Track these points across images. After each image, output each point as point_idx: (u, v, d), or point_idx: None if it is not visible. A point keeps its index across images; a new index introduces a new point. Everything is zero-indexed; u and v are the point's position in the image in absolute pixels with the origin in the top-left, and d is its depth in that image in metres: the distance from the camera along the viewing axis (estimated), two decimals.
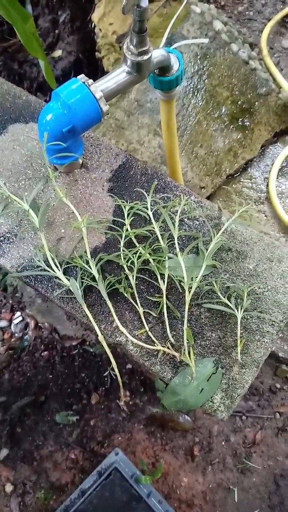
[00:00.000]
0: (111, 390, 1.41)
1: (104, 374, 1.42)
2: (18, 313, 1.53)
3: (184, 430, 1.36)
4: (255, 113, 1.40)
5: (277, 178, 1.38)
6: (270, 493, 1.30)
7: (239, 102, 1.40)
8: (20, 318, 1.53)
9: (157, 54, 0.58)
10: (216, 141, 1.37)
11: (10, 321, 1.53)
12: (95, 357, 1.45)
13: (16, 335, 1.52)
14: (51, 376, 1.44)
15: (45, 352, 1.48)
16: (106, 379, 1.42)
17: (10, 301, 1.55)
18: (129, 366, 1.41)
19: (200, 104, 1.37)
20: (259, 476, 1.32)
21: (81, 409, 1.39)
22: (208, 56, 1.39)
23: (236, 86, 1.41)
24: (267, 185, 1.38)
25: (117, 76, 0.57)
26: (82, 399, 1.41)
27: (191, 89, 1.38)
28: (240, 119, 1.40)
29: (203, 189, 1.33)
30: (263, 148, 1.44)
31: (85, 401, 1.41)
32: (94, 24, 1.50)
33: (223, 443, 1.36)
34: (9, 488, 1.31)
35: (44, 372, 1.45)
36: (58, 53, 1.67)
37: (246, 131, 1.39)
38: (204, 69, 1.40)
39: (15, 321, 1.53)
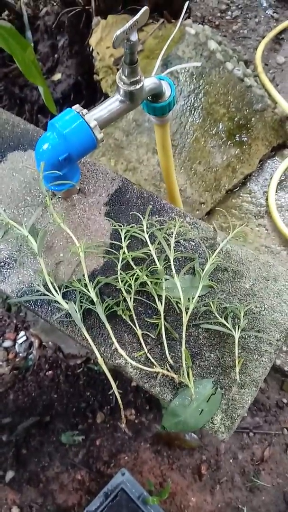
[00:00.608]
0: (116, 409, 1.40)
1: (109, 393, 1.41)
2: (22, 333, 1.54)
3: (191, 448, 1.35)
4: (252, 128, 1.42)
5: (276, 191, 1.39)
6: None
7: (236, 119, 1.42)
8: (24, 338, 1.54)
9: (149, 82, 0.60)
10: (214, 157, 1.39)
11: (15, 341, 1.54)
12: (99, 375, 1.45)
13: (20, 354, 1.52)
14: (56, 396, 1.44)
15: (50, 371, 1.48)
16: (111, 397, 1.42)
17: (14, 321, 1.56)
18: (134, 384, 1.40)
19: (197, 121, 1.40)
20: (269, 495, 1.30)
21: (87, 428, 1.39)
22: (203, 75, 1.42)
23: (232, 103, 1.43)
24: (267, 199, 1.39)
25: (110, 105, 0.58)
26: (88, 418, 1.40)
27: (188, 108, 1.41)
28: (238, 135, 1.42)
29: (203, 205, 1.35)
30: (261, 162, 1.46)
31: (90, 420, 1.40)
32: (92, 48, 1.55)
33: (231, 460, 1.34)
34: (15, 511, 1.30)
35: (49, 391, 1.45)
36: (57, 76, 1.71)
37: (244, 147, 1.41)
38: (200, 87, 1.42)
39: (19, 341, 1.53)
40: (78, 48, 1.67)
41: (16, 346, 1.54)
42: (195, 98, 1.42)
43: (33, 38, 1.75)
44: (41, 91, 1.19)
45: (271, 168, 1.48)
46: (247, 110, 1.43)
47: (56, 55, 1.73)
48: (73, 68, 1.68)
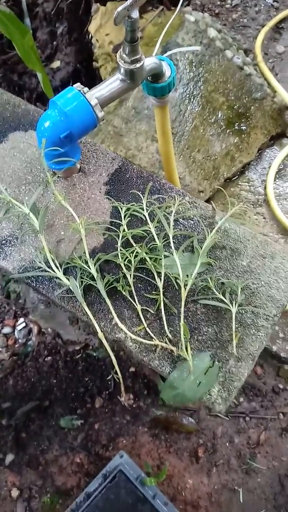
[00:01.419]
0: (114, 394, 1.42)
1: (108, 378, 1.43)
2: (21, 319, 1.55)
3: (188, 432, 1.37)
4: (251, 117, 1.43)
5: (275, 180, 1.40)
6: (275, 493, 1.30)
7: (235, 107, 1.43)
8: (24, 324, 1.55)
9: (149, 62, 0.60)
10: (213, 145, 1.40)
11: (14, 327, 1.55)
12: (98, 361, 1.47)
13: (19, 341, 1.53)
14: (55, 381, 1.46)
15: (49, 357, 1.50)
16: (109, 382, 1.43)
17: (13, 308, 1.57)
18: (132, 369, 1.42)
19: (196, 110, 1.40)
20: (264, 477, 1.32)
21: (85, 413, 1.40)
22: (203, 63, 1.42)
23: (231, 92, 1.44)
24: (265, 188, 1.40)
25: (111, 84, 0.59)
26: (86, 403, 1.42)
27: (187, 96, 1.41)
28: (237, 123, 1.42)
29: (201, 193, 1.36)
30: (260, 151, 1.47)
31: (89, 405, 1.42)
32: (91, 35, 1.54)
33: (227, 444, 1.36)
34: (15, 493, 1.32)
35: (48, 377, 1.46)
36: (56, 64, 1.71)
37: (243, 135, 1.42)
38: (200, 75, 1.43)
39: (19, 327, 1.54)
40: (77, 35, 1.66)
41: (16, 332, 1.55)
42: (195, 86, 1.42)
43: (31, 25, 1.74)
44: (39, 78, 1.19)
45: (269, 157, 1.49)
46: (246, 99, 1.43)
47: (55, 42, 1.73)
48: (72, 56, 1.68)
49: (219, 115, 1.42)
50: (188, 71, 1.42)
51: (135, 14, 0.50)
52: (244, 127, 1.43)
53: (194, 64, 1.43)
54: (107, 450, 1.36)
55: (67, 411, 1.41)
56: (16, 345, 1.53)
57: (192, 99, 1.41)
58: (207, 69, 1.42)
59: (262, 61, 1.68)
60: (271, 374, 1.45)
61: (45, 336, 1.53)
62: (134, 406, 1.39)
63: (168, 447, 1.35)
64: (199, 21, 1.47)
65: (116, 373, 0.58)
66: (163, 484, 1.29)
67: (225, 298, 0.58)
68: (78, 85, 0.57)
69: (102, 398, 1.43)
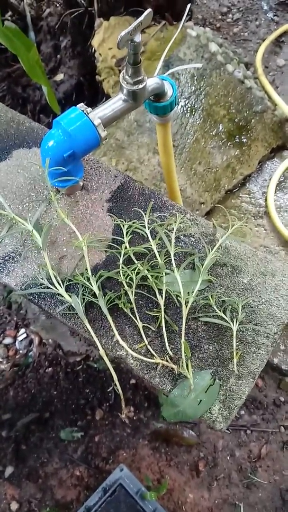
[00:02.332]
0: (115, 406, 1.42)
1: (108, 390, 1.43)
2: (22, 330, 1.56)
3: (189, 445, 1.36)
4: (251, 130, 1.44)
5: (275, 192, 1.41)
6: (276, 508, 1.29)
7: (236, 120, 1.44)
8: (25, 335, 1.55)
9: (151, 82, 0.61)
10: (214, 158, 1.41)
11: (15, 338, 1.55)
12: (99, 373, 1.47)
13: (20, 351, 1.53)
14: (55, 393, 1.45)
15: (50, 369, 1.49)
16: (110, 394, 1.43)
17: (15, 318, 1.57)
18: (132, 381, 1.42)
19: (197, 122, 1.42)
20: (265, 491, 1.31)
21: (86, 425, 1.40)
22: (204, 77, 1.44)
23: (232, 105, 1.45)
24: (266, 200, 1.41)
25: (114, 104, 0.60)
26: (87, 415, 1.41)
27: (189, 109, 1.43)
28: (237, 136, 1.44)
29: (202, 205, 1.37)
30: (260, 163, 1.48)
31: (89, 417, 1.41)
32: (94, 49, 1.57)
33: (228, 458, 1.36)
34: (14, 506, 1.31)
35: (48, 388, 1.46)
36: (60, 76, 1.73)
37: (244, 148, 1.43)
38: (201, 89, 1.44)
39: (20, 338, 1.55)
40: (80, 49, 1.69)
41: (17, 343, 1.55)
42: (196, 99, 1.44)
43: (36, 39, 1.77)
44: (44, 91, 1.21)
45: (270, 169, 1.50)
46: (247, 112, 1.45)
47: (58, 56, 1.75)
48: (75, 69, 1.70)
49: (220, 128, 1.44)
50: (189, 84, 1.44)
51: (138, 38, 0.51)
52: (244, 140, 1.45)
53: (195, 78, 1.45)
54: (107, 463, 1.35)
55: (67, 423, 1.41)
56: (17, 356, 1.53)
57: (193, 112, 1.43)
58: (208, 82, 1.44)
59: (262, 74, 1.71)
60: (272, 386, 1.45)
61: (46, 347, 1.53)
62: (134, 418, 1.39)
63: (169, 461, 1.34)
64: (200, 36, 1.49)
65: (116, 385, 0.58)
66: (163, 498, 1.28)
67: (226, 316, 0.59)
68: (81, 105, 0.58)
69: (103, 410, 1.42)
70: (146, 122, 1.40)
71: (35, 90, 1.72)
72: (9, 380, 1.49)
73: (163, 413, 0.58)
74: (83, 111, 0.57)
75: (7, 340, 1.55)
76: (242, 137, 1.45)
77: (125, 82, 0.58)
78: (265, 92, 1.60)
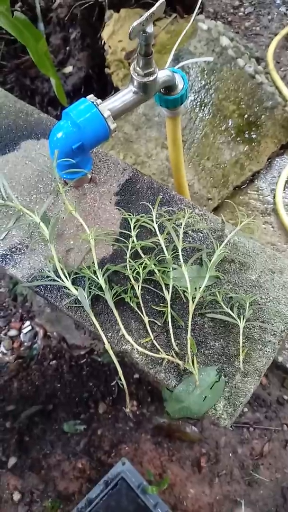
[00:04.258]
0: (118, 400, 1.42)
1: (112, 384, 1.43)
2: (27, 322, 1.56)
3: (191, 441, 1.36)
4: (261, 126, 1.42)
5: (284, 189, 1.40)
6: (277, 506, 1.29)
7: (246, 116, 1.42)
8: (30, 327, 1.56)
9: (162, 74, 0.61)
10: (223, 153, 1.40)
11: (20, 330, 1.56)
12: (103, 367, 1.47)
13: (25, 344, 1.54)
14: (59, 385, 1.46)
15: (54, 361, 1.50)
16: (113, 388, 1.43)
17: (20, 311, 1.58)
18: (136, 376, 1.42)
19: (207, 117, 1.40)
20: (267, 489, 1.31)
21: (89, 418, 1.41)
22: (215, 71, 1.42)
23: (242, 100, 1.44)
24: (274, 197, 1.39)
25: (124, 96, 0.60)
26: (90, 408, 1.42)
27: (198, 103, 1.41)
28: (247, 132, 1.42)
29: (210, 201, 1.36)
30: (269, 160, 1.46)
31: (92, 410, 1.42)
32: (104, 41, 1.55)
33: (230, 454, 1.36)
34: (16, 496, 1.32)
35: (52, 381, 1.47)
36: (69, 69, 1.72)
37: (253, 144, 1.41)
38: (211, 83, 1.43)
39: (25, 330, 1.55)
40: (90, 41, 1.67)
41: (21, 335, 1.56)
42: (206, 94, 1.42)
43: (45, 30, 1.75)
44: (52, 83, 1.20)
45: (279, 166, 1.48)
46: (257, 107, 1.43)
47: (68, 48, 1.74)
48: (84, 61, 1.69)
49: (230, 123, 1.42)
50: (199, 79, 1.43)
51: (150, 28, 0.51)
52: (254, 136, 1.43)
53: (205, 72, 1.43)
54: (109, 456, 1.35)
55: (70, 416, 1.41)
56: (22, 348, 1.54)
57: (203, 107, 1.42)
58: (218, 77, 1.42)
59: (274, 69, 1.68)
60: (276, 385, 1.44)
61: (51, 339, 1.53)
62: (137, 413, 1.39)
63: (171, 456, 1.35)
64: (211, 30, 1.47)
65: (120, 379, 0.58)
66: (164, 493, 1.29)
67: (233, 313, 0.58)
68: (91, 97, 0.58)
69: (106, 404, 1.43)
70: (154, 116, 1.39)
71: (44, 82, 1.71)
72: (14, 372, 1.50)
73: (167, 409, 0.58)
74: (92, 102, 0.57)
75: (12, 332, 1.55)
76: (252, 133, 1.44)
77: (136, 74, 0.57)
78: (276, 88, 1.57)
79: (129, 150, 1.38)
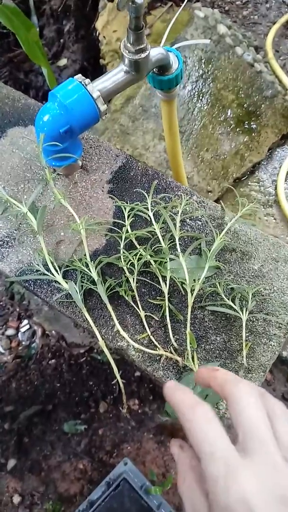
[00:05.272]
0: (119, 399, 1.38)
1: (112, 382, 1.40)
2: (25, 321, 1.53)
3: None
4: (261, 115, 1.38)
5: (286, 180, 1.36)
6: None
7: (245, 105, 1.39)
8: (28, 326, 1.52)
9: (155, 52, 0.57)
10: (222, 144, 1.36)
11: (17, 329, 1.52)
12: (102, 365, 1.43)
13: (23, 343, 1.51)
14: (58, 385, 1.43)
15: (53, 360, 1.47)
16: (114, 387, 1.40)
17: (17, 309, 1.54)
18: (137, 373, 1.39)
19: (205, 108, 1.36)
20: None
21: (89, 418, 1.37)
22: (212, 60, 1.38)
23: (241, 89, 1.40)
24: (276, 188, 1.36)
25: (115, 76, 0.56)
26: (90, 408, 1.39)
27: (196, 93, 1.37)
28: (247, 122, 1.38)
29: (210, 193, 1.32)
30: (270, 150, 1.42)
31: (93, 410, 1.38)
32: (98, 32, 1.51)
33: None
34: (16, 499, 1.29)
35: (51, 380, 1.44)
36: (63, 62, 1.68)
37: (253, 134, 1.38)
38: (209, 72, 1.39)
39: (22, 329, 1.52)
40: (84, 33, 1.64)
41: (19, 334, 1.52)
42: (204, 84, 1.38)
43: (38, 23, 1.72)
44: (44, 73, 1.16)
45: (280, 156, 1.44)
46: (257, 97, 1.39)
47: (62, 40, 1.70)
48: (79, 53, 1.65)
49: (229, 114, 1.38)
50: (197, 68, 1.39)
51: None
52: (254, 126, 1.39)
53: (203, 61, 1.39)
54: (111, 456, 1.32)
55: (70, 416, 1.38)
56: (20, 348, 1.50)
57: (201, 97, 1.38)
58: (216, 66, 1.38)
59: (273, 58, 1.64)
60: (281, 380, 1.40)
61: (49, 338, 1.50)
62: (139, 411, 1.36)
63: None
64: (208, 17, 1.43)
65: (119, 378, 0.54)
66: (168, 493, 1.25)
67: (235, 305, 0.54)
68: (79, 76, 0.54)
69: (107, 403, 1.39)
70: (151, 107, 1.35)
71: (38, 75, 1.68)
72: (12, 372, 1.46)
73: (167, 408, 0.54)
74: (80, 82, 0.53)
75: (10, 332, 1.52)
76: (252, 123, 1.40)
77: (127, 51, 0.53)
78: (276, 77, 1.53)
79: (126, 142, 1.34)
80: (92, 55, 1.60)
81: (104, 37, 1.50)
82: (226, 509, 0.27)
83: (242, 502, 0.27)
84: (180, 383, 0.54)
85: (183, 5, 0.81)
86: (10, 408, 1.40)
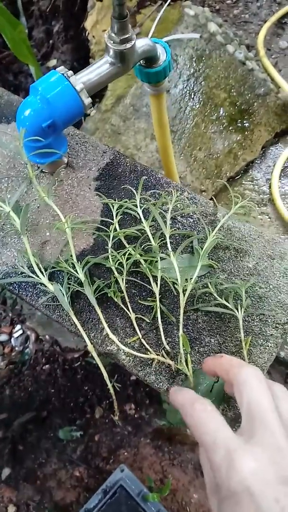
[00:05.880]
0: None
1: (108, 387, 1.37)
2: (18, 326, 1.50)
3: (193, 444, 1.30)
4: (254, 114, 1.37)
5: (280, 179, 1.34)
6: None
7: (238, 103, 1.37)
8: (21, 331, 1.49)
9: (142, 43, 0.54)
10: (215, 143, 1.34)
11: (10, 334, 1.49)
12: (98, 369, 1.40)
13: (16, 349, 1.48)
14: (53, 391, 1.40)
15: (47, 366, 1.44)
16: (109, 392, 1.37)
17: (10, 314, 1.51)
18: (133, 378, 1.36)
19: (197, 106, 1.35)
20: None
21: (85, 424, 1.34)
22: (203, 58, 1.37)
23: (233, 88, 1.38)
24: (270, 187, 1.34)
25: (99, 68, 0.53)
26: (86, 414, 1.36)
27: (188, 92, 1.36)
28: (239, 120, 1.36)
29: (203, 193, 1.30)
30: (264, 149, 1.41)
31: (88, 416, 1.35)
32: (88, 32, 1.49)
33: None
34: (11, 509, 1.26)
35: (45, 386, 1.40)
36: (53, 62, 1.66)
37: (246, 132, 1.36)
38: (200, 71, 1.37)
39: (15, 335, 1.49)
40: (73, 33, 1.62)
41: (12, 340, 1.49)
42: (195, 82, 1.36)
43: (27, 24, 1.70)
44: (32, 72, 1.14)
45: (274, 154, 1.43)
46: (249, 95, 1.37)
47: (51, 41, 1.68)
48: (68, 54, 1.63)
49: (221, 112, 1.37)
50: (188, 66, 1.37)
51: None
52: (247, 124, 1.37)
53: (194, 59, 1.37)
54: (107, 463, 1.29)
55: (66, 422, 1.35)
56: (13, 353, 1.47)
57: (192, 96, 1.36)
58: (208, 64, 1.36)
59: (265, 56, 1.62)
60: (278, 381, 1.38)
61: (43, 343, 1.47)
62: (135, 416, 1.33)
63: (172, 460, 1.28)
64: (199, 15, 1.42)
65: (112, 383, 0.52)
66: (166, 499, 1.22)
67: (230, 304, 0.52)
68: (62, 68, 0.51)
69: (102, 408, 1.36)
70: (143, 107, 1.33)
71: (27, 77, 1.65)
72: (5, 378, 1.43)
73: (169, 419, 0.53)
74: (63, 74, 0.50)
75: (3, 337, 1.49)
76: (244, 122, 1.38)
77: (111, 42, 0.51)
78: (268, 75, 1.52)
79: (117, 142, 1.32)
80: (82, 55, 1.58)
81: (93, 36, 1.49)
82: (231, 494, 0.29)
83: (242, 486, 0.28)
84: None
85: (167, 2, 0.78)
86: (4, 416, 1.36)
